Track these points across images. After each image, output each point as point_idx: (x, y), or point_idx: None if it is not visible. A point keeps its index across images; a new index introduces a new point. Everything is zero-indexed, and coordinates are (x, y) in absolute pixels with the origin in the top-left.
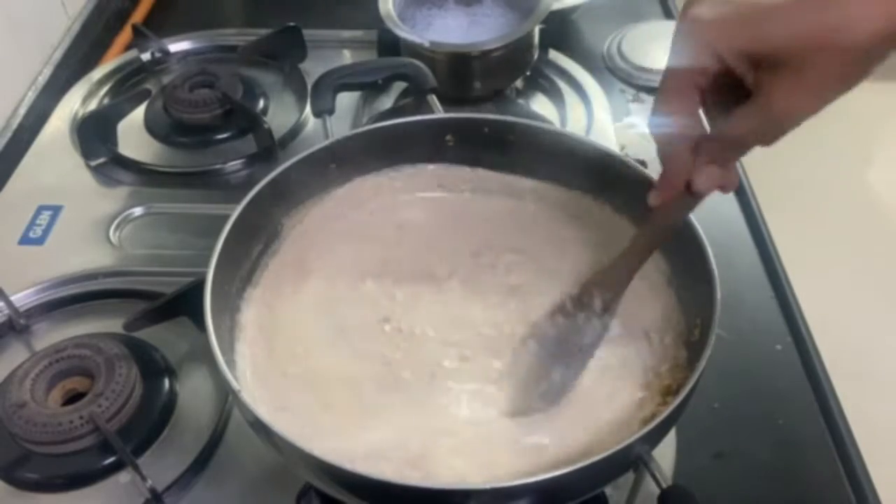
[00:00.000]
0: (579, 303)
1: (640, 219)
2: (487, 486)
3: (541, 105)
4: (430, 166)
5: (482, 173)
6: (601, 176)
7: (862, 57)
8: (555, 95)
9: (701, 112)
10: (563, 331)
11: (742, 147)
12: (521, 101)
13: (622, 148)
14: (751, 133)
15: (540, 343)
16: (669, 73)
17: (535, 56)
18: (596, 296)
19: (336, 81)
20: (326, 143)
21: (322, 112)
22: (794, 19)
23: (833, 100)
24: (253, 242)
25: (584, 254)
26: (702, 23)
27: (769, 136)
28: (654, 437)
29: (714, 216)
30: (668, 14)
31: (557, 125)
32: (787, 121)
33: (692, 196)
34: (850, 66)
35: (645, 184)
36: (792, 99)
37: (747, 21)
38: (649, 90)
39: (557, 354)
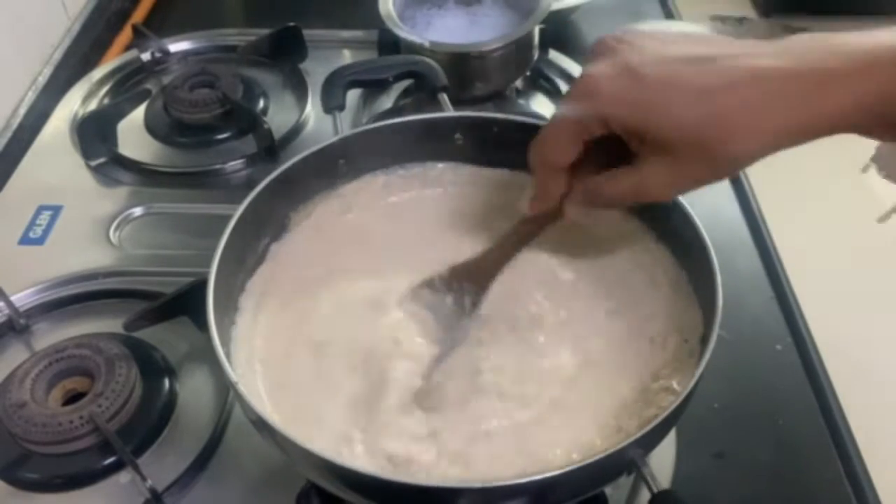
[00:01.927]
0: (448, 286)
1: (646, 217)
2: (481, 485)
3: (541, 105)
4: (440, 164)
5: (490, 172)
6: None
7: (740, 166)
8: (555, 95)
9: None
10: (436, 306)
11: (611, 203)
12: (521, 101)
13: None
14: (620, 196)
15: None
16: (557, 120)
17: (535, 56)
18: (465, 287)
19: (347, 78)
20: (336, 138)
21: (333, 108)
22: (686, 118)
23: (707, 184)
24: (259, 236)
25: (592, 253)
26: (599, 92)
27: (635, 202)
28: (649, 441)
29: (714, 216)
30: (668, 14)
31: None
32: (653, 197)
33: (561, 213)
34: (723, 168)
35: None
36: (665, 181)
37: (642, 104)
38: None
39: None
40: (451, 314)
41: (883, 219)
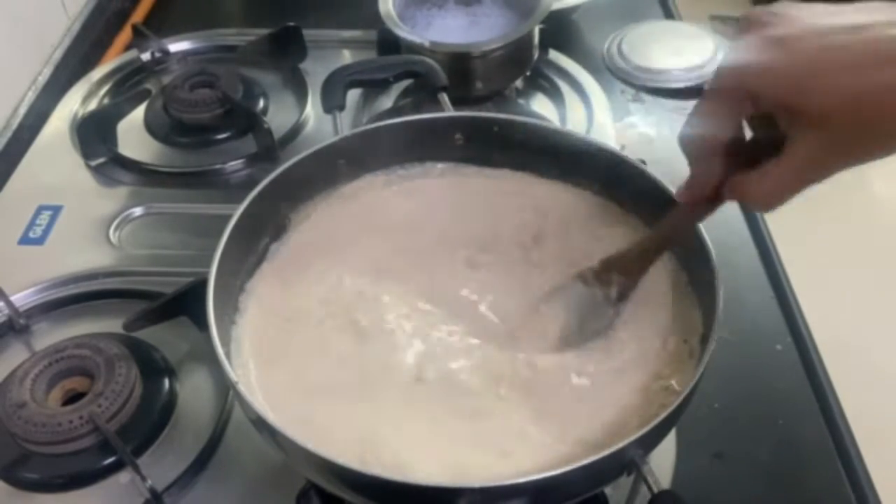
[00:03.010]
0: (598, 278)
1: (649, 218)
2: (481, 485)
3: (541, 105)
4: (439, 164)
5: (490, 172)
6: (609, 176)
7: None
8: (555, 95)
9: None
10: (582, 300)
11: (767, 203)
12: (521, 101)
13: (622, 148)
14: (774, 192)
15: (562, 300)
16: (709, 97)
17: (535, 56)
18: (614, 278)
19: (347, 78)
20: (336, 138)
21: (333, 108)
22: (842, 88)
23: (855, 165)
24: (259, 236)
25: (594, 252)
26: (750, 65)
27: (795, 188)
28: (649, 441)
29: (714, 216)
30: (668, 14)
31: (558, 125)
32: (809, 183)
33: (717, 201)
34: (879, 144)
35: (653, 186)
36: (819, 160)
37: (795, 75)
38: (649, 90)
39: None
40: (589, 306)
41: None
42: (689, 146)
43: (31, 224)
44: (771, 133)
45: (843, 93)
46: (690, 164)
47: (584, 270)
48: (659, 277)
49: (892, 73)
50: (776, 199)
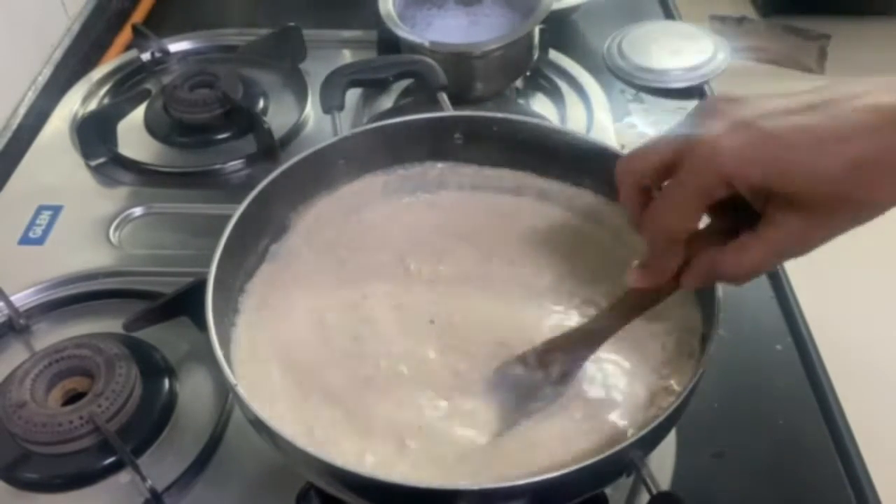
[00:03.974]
0: (541, 361)
1: None
2: (481, 486)
3: (541, 105)
4: (439, 164)
5: (490, 172)
6: (609, 176)
7: (884, 209)
8: (555, 95)
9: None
10: (521, 381)
11: (740, 278)
12: (521, 101)
13: (622, 148)
14: (752, 267)
15: (506, 379)
16: (677, 187)
17: (535, 56)
18: (557, 361)
19: (346, 78)
20: (336, 138)
21: (332, 108)
22: (821, 168)
23: (838, 235)
24: (259, 236)
25: (594, 252)
26: (720, 152)
27: (768, 267)
28: (649, 441)
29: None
30: (668, 14)
31: (558, 125)
32: (789, 258)
33: (675, 285)
34: (867, 215)
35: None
36: (802, 238)
37: (769, 159)
38: (649, 90)
39: (518, 395)
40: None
41: None
42: (652, 236)
43: (31, 224)
44: (737, 215)
45: (821, 173)
46: (651, 252)
47: (527, 352)
48: None
49: (883, 134)
50: (754, 273)
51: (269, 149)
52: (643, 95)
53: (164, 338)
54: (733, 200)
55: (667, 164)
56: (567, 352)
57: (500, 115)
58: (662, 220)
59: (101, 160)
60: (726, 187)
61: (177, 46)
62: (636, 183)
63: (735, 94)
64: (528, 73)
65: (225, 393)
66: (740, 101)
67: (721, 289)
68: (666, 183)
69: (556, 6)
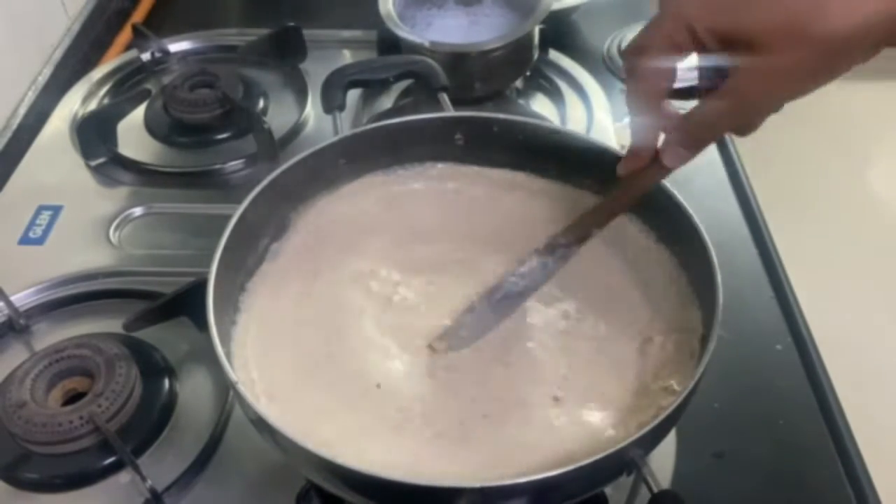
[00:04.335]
0: (539, 253)
1: (646, 218)
2: (481, 485)
3: (541, 105)
4: (440, 164)
5: (491, 172)
6: (609, 176)
7: (840, 48)
8: (555, 95)
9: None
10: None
11: (712, 132)
12: (521, 101)
13: (622, 148)
14: (721, 118)
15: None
16: (646, 40)
17: (535, 56)
18: (557, 241)
19: (347, 78)
20: (336, 138)
21: (333, 108)
22: (773, 4)
23: (811, 89)
24: (259, 236)
25: (594, 252)
26: (681, 3)
27: (741, 121)
28: (649, 441)
29: (714, 216)
30: None
31: (558, 125)
32: (757, 106)
33: (661, 168)
34: (826, 56)
35: (654, 188)
36: (764, 84)
37: (726, 3)
38: None
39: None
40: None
41: None
42: (632, 101)
43: (31, 224)
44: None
45: (774, 6)
46: (632, 131)
47: (525, 255)
48: (659, 277)
49: None
50: (722, 126)
51: (269, 149)
52: None
53: (164, 338)
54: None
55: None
56: (564, 237)
57: (500, 115)
58: (641, 80)
59: (101, 160)
60: (691, 37)
61: (177, 46)
62: (635, 63)
63: None
64: (528, 73)
65: (225, 393)
66: None
67: (721, 289)
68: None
69: (556, 6)
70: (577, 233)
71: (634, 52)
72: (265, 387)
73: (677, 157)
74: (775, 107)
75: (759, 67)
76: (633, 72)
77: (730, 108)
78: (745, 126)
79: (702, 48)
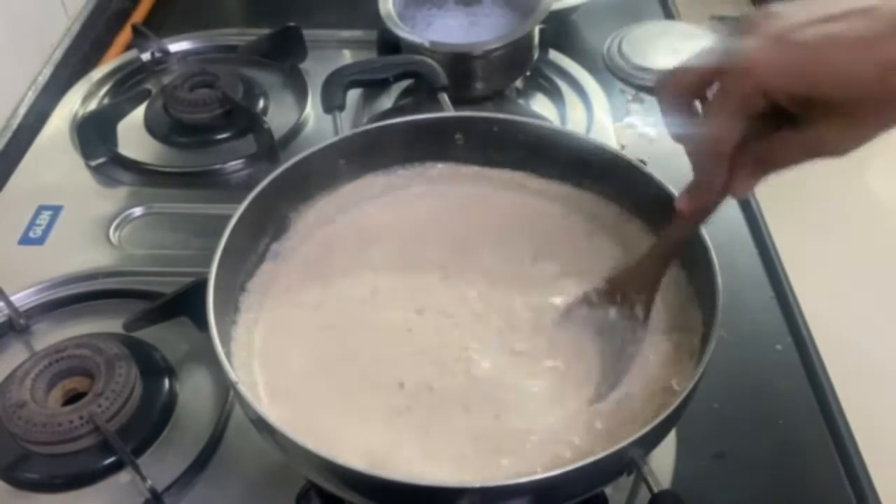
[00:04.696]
0: (607, 297)
1: (650, 218)
2: (481, 485)
3: (541, 105)
4: (439, 164)
5: (491, 172)
6: (609, 176)
7: None
8: (555, 95)
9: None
10: (592, 321)
11: (784, 164)
12: (521, 101)
13: (622, 148)
14: (796, 156)
15: (578, 325)
16: (719, 102)
17: (535, 56)
18: (629, 296)
19: (347, 78)
20: (336, 138)
21: (333, 108)
22: (854, 72)
23: (880, 134)
24: (259, 236)
25: (595, 253)
26: (757, 65)
27: (808, 161)
28: (649, 441)
29: (714, 216)
30: (668, 14)
31: (558, 125)
32: (833, 155)
33: (731, 179)
34: None
35: (653, 186)
36: (842, 138)
37: (805, 68)
38: (649, 90)
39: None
40: (612, 327)
41: None
42: (700, 154)
43: (31, 224)
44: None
45: (854, 77)
46: (697, 169)
47: (587, 292)
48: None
49: None
50: (794, 161)
51: (269, 149)
52: (643, 95)
53: (164, 338)
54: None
55: (705, 80)
56: (633, 288)
57: (500, 115)
58: (709, 132)
59: (101, 160)
60: (763, 97)
61: (177, 46)
62: (676, 99)
63: (772, 8)
64: (528, 73)
65: (225, 393)
66: (775, 15)
67: (721, 289)
68: (708, 97)
69: (556, 6)
70: (646, 281)
71: (711, 115)
72: (265, 386)
73: (748, 185)
74: (849, 152)
75: (839, 125)
76: (708, 129)
77: (807, 151)
78: (819, 158)
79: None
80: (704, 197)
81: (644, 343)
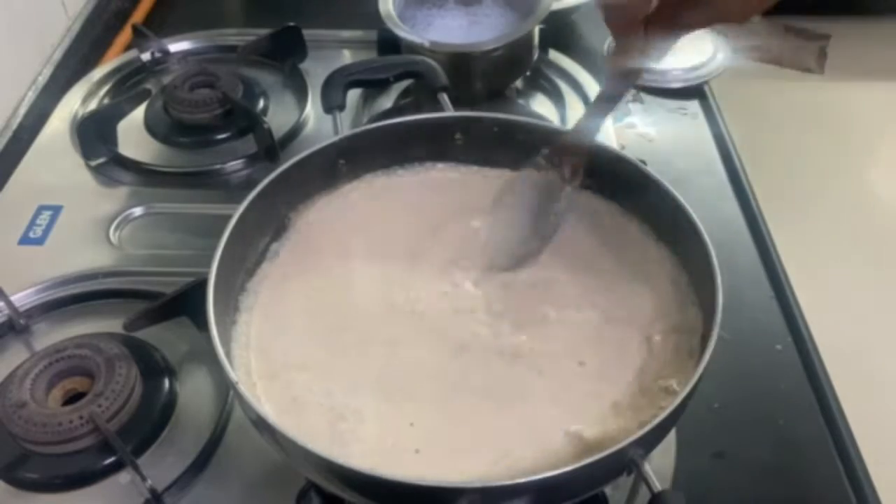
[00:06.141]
0: (550, 161)
1: (650, 218)
2: (481, 484)
3: (541, 105)
4: (439, 164)
5: (491, 172)
6: (609, 176)
7: None
8: (555, 95)
9: None
10: (537, 190)
11: (693, 30)
12: (521, 101)
13: (622, 148)
14: (702, 24)
15: (517, 199)
16: None
17: (535, 56)
18: (565, 156)
19: (347, 78)
20: (336, 138)
21: (333, 108)
22: None
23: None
24: (259, 236)
25: (592, 253)
26: None
27: (715, 24)
28: (649, 441)
29: (714, 216)
30: None
31: (558, 125)
32: (735, 21)
33: (647, 41)
34: None
35: (653, 186)
36: (746, 3)
37: None
38: (649, 90)
39: (532, 213)
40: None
41: None
42: (616, 18)
43: (31, 224)
44: None
45: None
46: (614, 34)
47: (536, 159)
48: (659, 277)
49: None
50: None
51: (269, 149)
52: (643, 95)
53: (164, 338)
54: None
55: None
56: (572, 147)
57: (500, 115)
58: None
59: (101, 160)
60: None
61: (177, 46)
62: None
63: None
64: (528, 73)
65: (225, 393)
66: None
67: (721, 289)
68: None
69: (556, 6)
70: (583, 139)
71: None
72: (266, 386)
73: (663, 42)
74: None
75: None
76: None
77: (714, 17)
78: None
79: None
80: (625, 58)
81: (565, 202)
